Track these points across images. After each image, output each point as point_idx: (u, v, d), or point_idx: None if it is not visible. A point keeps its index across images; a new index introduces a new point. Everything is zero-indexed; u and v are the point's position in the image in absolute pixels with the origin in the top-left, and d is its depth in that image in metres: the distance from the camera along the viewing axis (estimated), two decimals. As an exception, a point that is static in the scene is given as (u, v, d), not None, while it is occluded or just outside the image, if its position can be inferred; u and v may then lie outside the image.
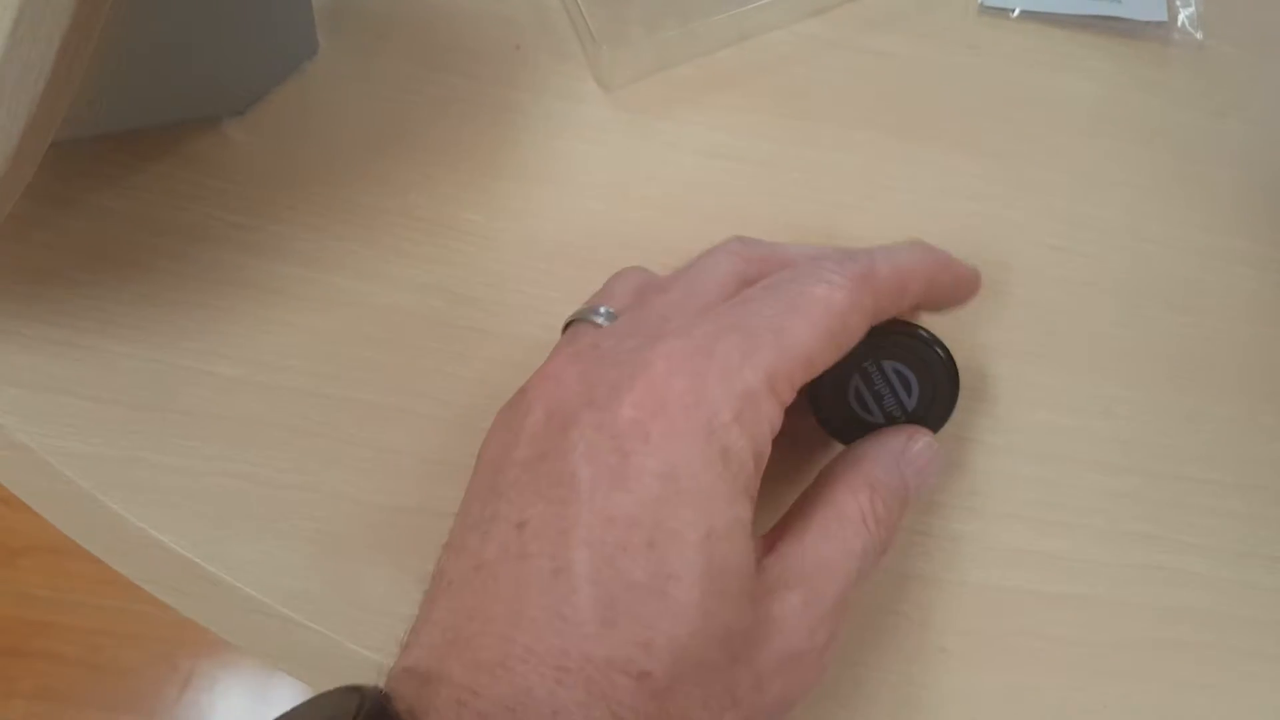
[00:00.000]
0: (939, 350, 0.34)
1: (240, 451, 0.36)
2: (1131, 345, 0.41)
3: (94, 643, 1.12)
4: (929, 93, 0.45)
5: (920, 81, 0.45)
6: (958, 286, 0.34)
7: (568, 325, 0.34)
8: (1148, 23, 0.47)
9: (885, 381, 0.34)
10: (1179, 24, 0.47)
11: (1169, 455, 0.39)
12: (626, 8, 0.44)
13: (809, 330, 0.28)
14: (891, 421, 0.34)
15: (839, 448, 0.34)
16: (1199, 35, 0.47)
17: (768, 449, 0.28)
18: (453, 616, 0.27)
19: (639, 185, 0.42)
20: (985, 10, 0.47)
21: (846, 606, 0.29)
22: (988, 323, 0.41)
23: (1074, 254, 0.42)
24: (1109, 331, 0.41)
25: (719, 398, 0.27)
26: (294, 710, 0.25)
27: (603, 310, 0.32)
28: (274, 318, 0.38)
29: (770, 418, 0.28)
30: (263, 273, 0.39)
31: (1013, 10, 0.47)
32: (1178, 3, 0.47)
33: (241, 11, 0.38)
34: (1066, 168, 0.44)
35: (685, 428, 0.26)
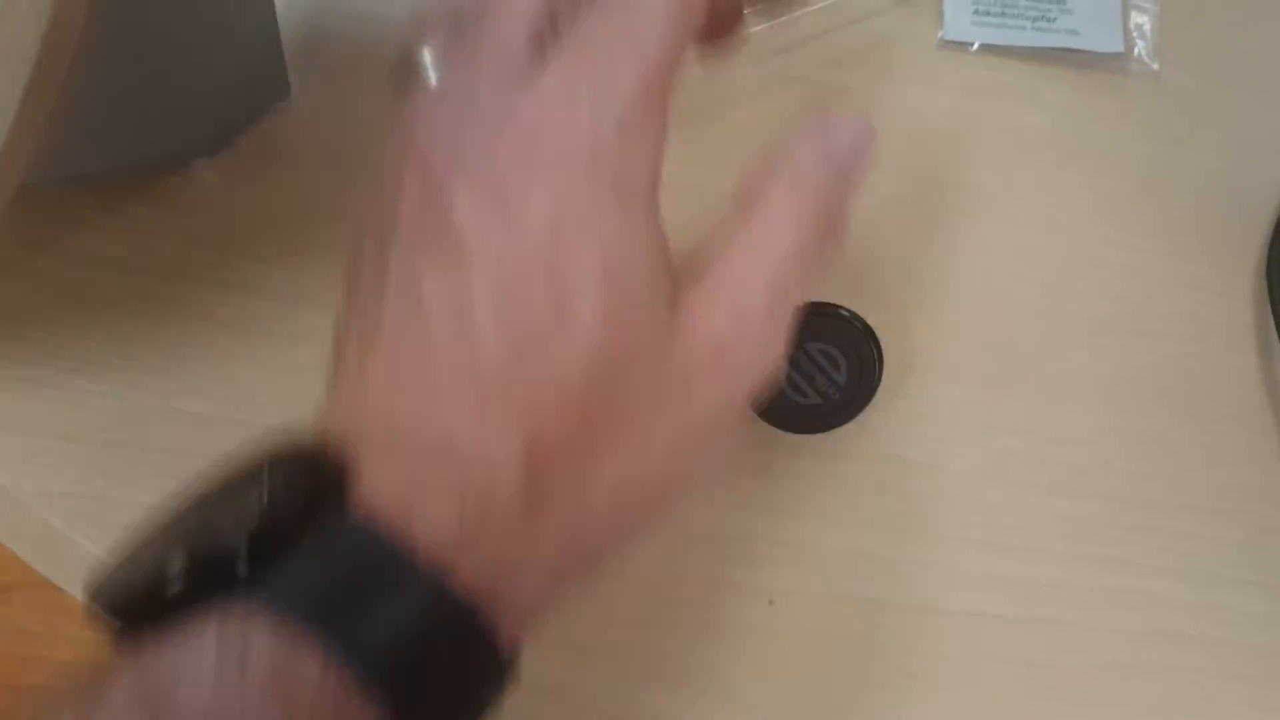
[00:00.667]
0: (858, 324, 0.36)
1: (212, 488, 0.37)
2: (1092, 371, 0.42)
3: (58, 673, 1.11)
4: (888, 127, 0.46)
5: (880, 115, 0.46)
6: None
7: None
8: (1105, 54, 0.48)
9: (813, 363, 0.36)
10: (1135, 55, 0.48)
11: (1131, 480, 0.40)
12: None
13: (657, 24, 0.27)
14: (827, 400, 0.37)
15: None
16: (1155, 66, 0.48)
17: (662, 150, 0.27)
18: (363, 383, 0.26)
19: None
20: (945, 44, 0.48)
21: (786, 301, 0.27)
22: (947, 350, 0.41)
23: (1033, 282, 0.43)
24: (1069, 358, 0.42)
25: (596, 120, 0.26)
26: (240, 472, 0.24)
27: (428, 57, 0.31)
28: (246, 355, 0.39)
29: (655, 121, 0.27)
30: (235, 310, 0.39)
31: (972, 44, 0.48)
32: (1134, 34, 0.48)
33: (212, 54, 0.39)
34: (1025, 197, 0.45)
35: (567, 162, 0.25)
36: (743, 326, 0.26)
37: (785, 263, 0.27)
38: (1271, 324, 0.42)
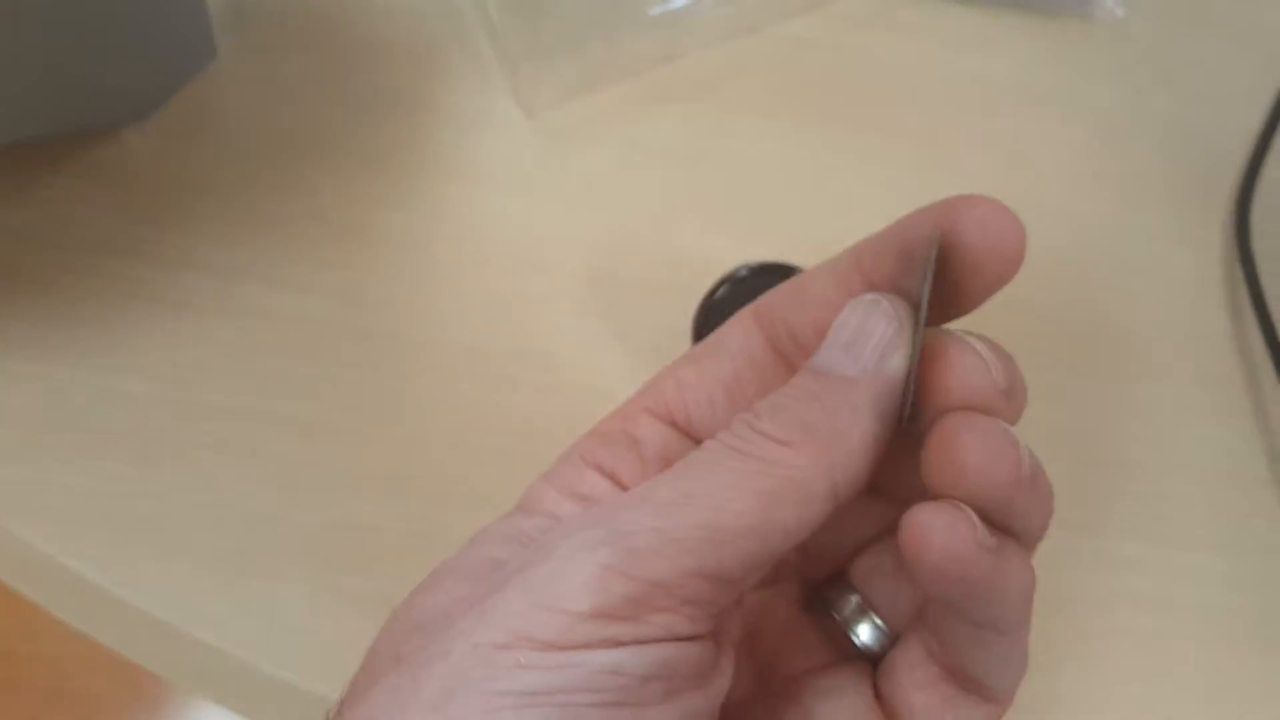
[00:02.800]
0: None
1: (149, 470, 0.35)
2: (1058, 328, 0.41)
3: (61, 670, 1.10)
4: (851, 78, 0.45)
5: (841, 67, 0.45)
6: None
7: None
8: (1069, 1, 0.46)
9: None
10: (1101, 1, 0.47)
11: (1102, 440, 0.39)
12: (545, 25, 0.43)
13: None
14: None
15: None
16: (1119, 13, 0.46)
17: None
18: None
19: (559, 182, 0.41)
20: (905, -7, 0.46)
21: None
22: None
23: (998, 238, 0.42)
24: (1034, 314, 0.41)
25: None
26: None
27: None
28: (182, 330, 0.37)
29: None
30: (169, 285, 0.38)
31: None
32: (1099, -20, 0.47)
33: (135, 16, 0.37)
34: (991, 149, 0.44)
35: None
36: None
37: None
38: (1241, 279, 0.41)
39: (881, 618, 0.27)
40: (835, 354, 0.24)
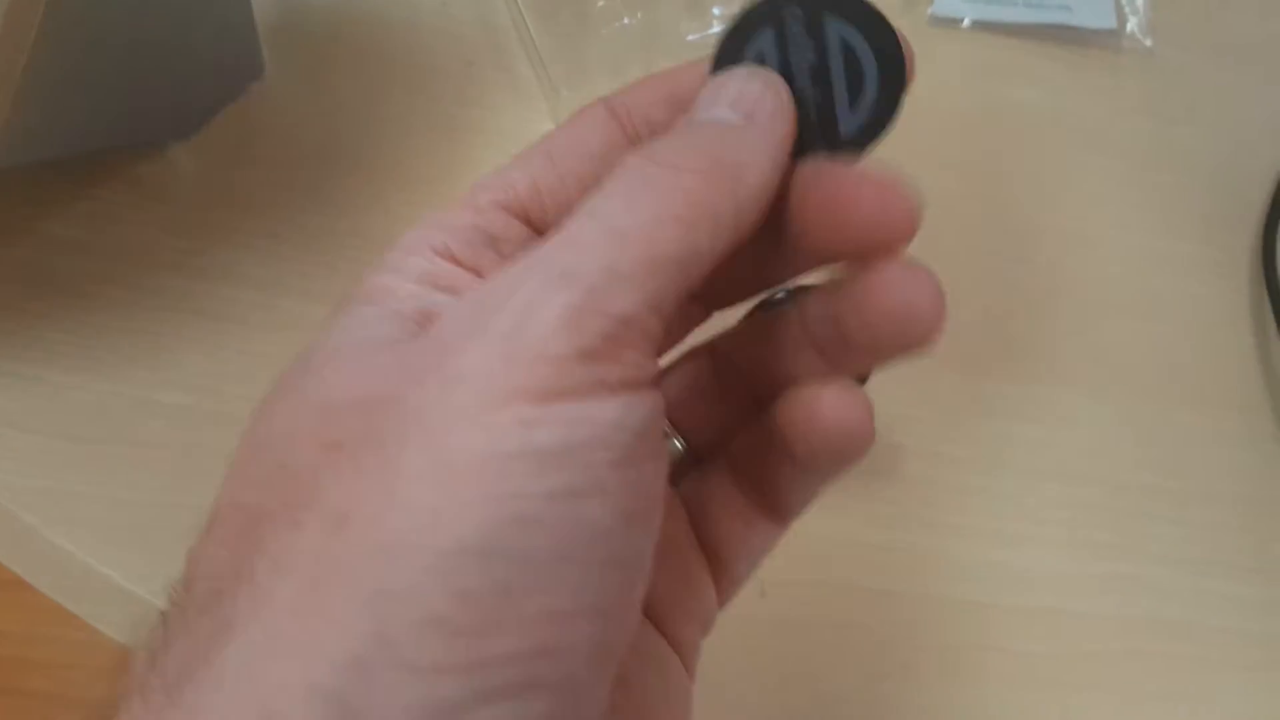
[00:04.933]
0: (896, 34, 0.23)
1: (191, 481, 0.35)
2: (1089, 354, 0.41)
3: (65, 677, 1.10)
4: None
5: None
6: None
7: None
8: (1097, 30, 0.47)
9: (815, 51, 0.23)
10: (1128, 31, 0.47)
11: (1129, 464, 0.39)
12: (585, 51, 0.43)
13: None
14: (806, 126, 0.23)
15: None
16: (1148, 42, 0.47)
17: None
18: None
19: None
20: (936, 21, 0.47)
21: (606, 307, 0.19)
22: (944, 335, 0.41)
23: (1028, 263, 0.42)
24: (1066, 340, 0.41)
25: None
26: None
27: None
28: (223, 344, 0.38)
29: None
30: (212, 298, 0.38)
31: (963, 20, 0.47)
32: (1127, 10, 0.47)
33: (184, 36, 0.38)
34: (1019, 177, 0.44)
35: None
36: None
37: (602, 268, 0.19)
38: (1268, 305, 0.41)
39: (682, 435, 0.27)
40: (720, 110, 0.22)
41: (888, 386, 0.39)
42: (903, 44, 0.23)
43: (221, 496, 0.20)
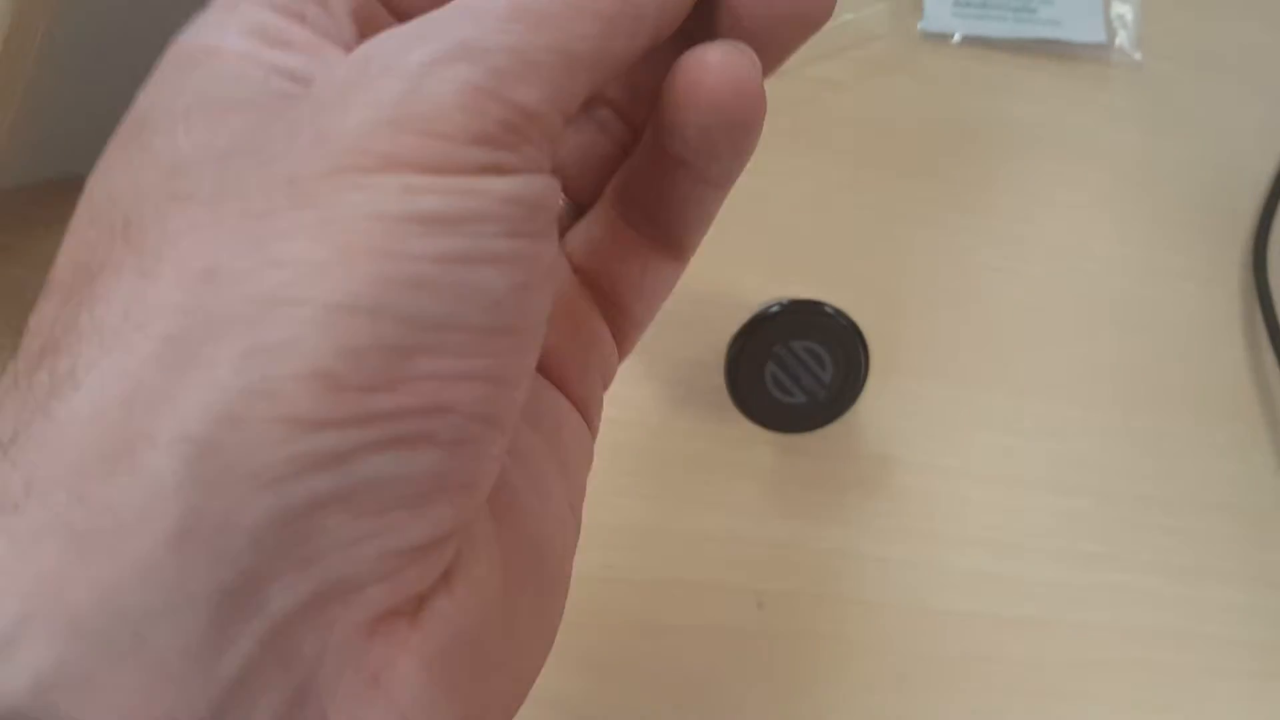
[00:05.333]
0: (843, 322, 0.36)
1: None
2: (1079, 365, 0.41)
3: None
4: (876, 120, 0.45)
5: (867, 109, 0.46)
6: None
7: None
8: (1087, 44, 0.47)
9: (799, 361, 0.36)
10: (1118, 45, 0.48)
11: (1120, 475, 0.40)
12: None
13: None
14: (813, 399, 0.36)
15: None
16: (1137, 56, 0.47)
17: None
18: None
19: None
20: (927, 36, 0.47)
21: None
22: (933, 346, 0.41)
23: (1020, 276, 0.43)
24: (1056, 352, 0.41)
25: None
26: None
27: None
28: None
29: None
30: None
31: (953, 35, 0.47)
32: (1116, 24, 0.48)
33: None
34: (1010, 190, 0.45)
35: None
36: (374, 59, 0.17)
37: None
38: (1259, 316, 0.42)
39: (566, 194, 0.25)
40: None
41: (881, 399, 0.39)
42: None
43: (57, 261, 0.19)
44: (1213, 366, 0.42)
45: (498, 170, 0.17)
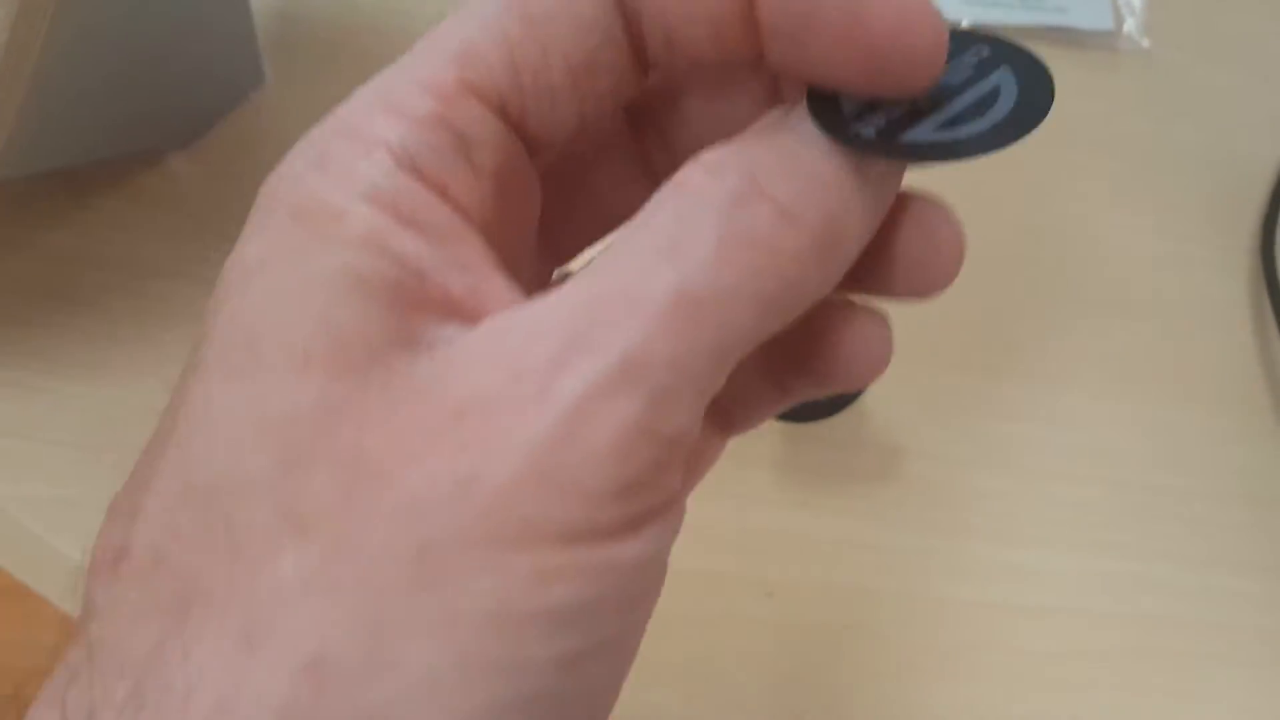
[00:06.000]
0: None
1: (195, 489, 0.36)
2: (1089, 353, 0.41)
3: (31, 681, 1.09)
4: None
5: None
6: None
7: None
8: (1094, 32, 0.47)
9: (967, 79, 0.20)
10: (1125, 32, 0.47)
11: (1131, 463, 0.40)
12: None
13: None
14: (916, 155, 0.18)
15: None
16: (1145, 43, 0.47)
17: None
18: None
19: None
20: (934, 23, 0.47)
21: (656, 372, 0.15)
22: (945, 336, 0.41)
23: (1027, 264, 0.42)
24: (1065, 340, 0.41)
25: None
26: None
27: None
28: (227, 352, 0.38)
29: None
30: (214, 307, 0.38)
31: (961, 23, 0.47)
32: (1123, 11, 0.48)
33: (184, 43, 0.38)
34: (1017, 178, 0.44)
35: None
36: (521, 388, 0.15)
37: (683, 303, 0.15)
38: (1267, 302, 0.42)
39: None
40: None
41: (889, 388, 0.39)
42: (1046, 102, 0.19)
43: (137, 523, 0.16)
44: (1222, 353, 0.42)
45: (634, 527, 0.15)
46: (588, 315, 0.15)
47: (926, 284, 0.20)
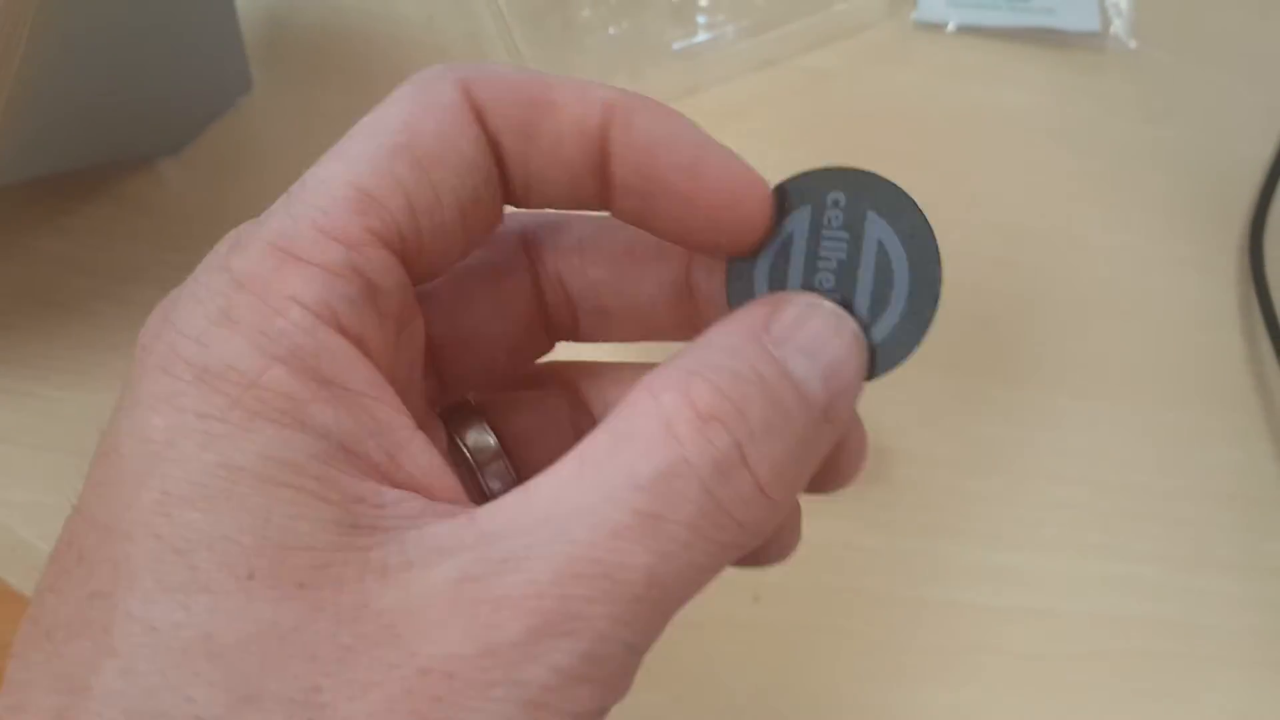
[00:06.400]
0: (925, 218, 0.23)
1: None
2: (1077, 355, 0.41)
3: None
4: (868, 109, 0.45)
5: (859, 98, 0.45)
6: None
7: None
8: (1081, 33, 0.47)
9: (848, 248, 0.22)
10: (1111, 33, 0.47)
11: (1119, 464, 0.40)
12: (571, 61, 0.44)
13: None
14: None
15: None
16: (1132, 44, 0.47)
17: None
18: None
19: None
20: (920, 26, 0.47)
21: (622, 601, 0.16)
22: (933, 338, 0.41)
23: (1015, 265, 0.42)
24: (1054, 342, 0.41)
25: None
26: None
27: None
28: (215, 357, 0.38)
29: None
30: (202, 312, 0.38)
31: (947, 25, 0.47)
32: (1110, 12, 0.48)
33: (170, 50, 0.38)
34: (1007, 179, 0.44)
35: None
36: (492, 664, 0.15)
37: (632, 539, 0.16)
38: (1255, 303, 0.42)
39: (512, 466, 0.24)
40: (800, 361, 0.19)
41: (877, 391, 0.39)
42: (940, 265, 0.22)
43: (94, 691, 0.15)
44: (1210, 355, 0.42)
45: None
46: (560, 592, 0.15)
47: (832, 485, 0.23)
